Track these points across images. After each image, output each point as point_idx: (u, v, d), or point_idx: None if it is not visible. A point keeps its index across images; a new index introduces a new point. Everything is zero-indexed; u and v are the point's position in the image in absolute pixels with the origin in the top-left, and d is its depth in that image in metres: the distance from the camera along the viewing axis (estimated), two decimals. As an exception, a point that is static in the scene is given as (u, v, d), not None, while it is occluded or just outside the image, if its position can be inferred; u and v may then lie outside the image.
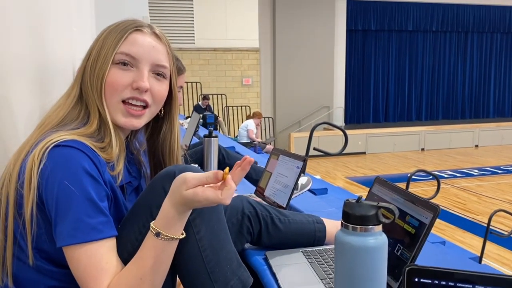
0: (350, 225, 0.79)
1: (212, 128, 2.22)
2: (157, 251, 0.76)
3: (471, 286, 0.61)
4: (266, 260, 1.20)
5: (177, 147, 1.02)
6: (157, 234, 0.76)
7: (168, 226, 0.76)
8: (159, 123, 1.02)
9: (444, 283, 0.62)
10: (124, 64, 0.87)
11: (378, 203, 0.80)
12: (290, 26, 10.25)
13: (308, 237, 1.29)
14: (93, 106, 0.86)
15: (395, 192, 1.09)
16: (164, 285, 0.83)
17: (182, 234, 0.79)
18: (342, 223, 0.81)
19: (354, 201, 0.81)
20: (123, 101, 0.88)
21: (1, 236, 0.79)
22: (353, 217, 0.79)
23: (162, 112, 1.00)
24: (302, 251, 1.23)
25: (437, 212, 0.93)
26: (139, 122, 0.91)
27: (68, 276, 0.81)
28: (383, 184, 1.17)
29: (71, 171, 0.74)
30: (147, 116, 0.92)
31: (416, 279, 0.63)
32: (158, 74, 0.91)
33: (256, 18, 9.92)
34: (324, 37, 10.58)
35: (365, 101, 11.86)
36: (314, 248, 1.24)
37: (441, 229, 5.01)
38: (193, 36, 9.59)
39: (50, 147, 0.75)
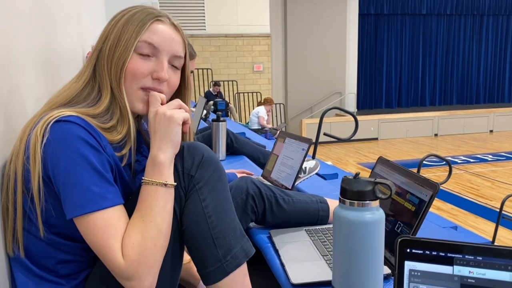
0: (348, 201, 0.81)
1: (220, 113, 2.25)
2: (148, 195, 0.82)
3: (461, 256, 0.62)
4: (270, 238, 1.23)
5: (191, 134, 1.03)
6: (141, 181, 0.84)
7: (150, 171, 0.84)
8: None
9: (435, 253, 0.64)
10: (145, 53, 0.89)
11: (375, 179, 0.82)
12: (302, 10, 10.15)
13: (311, 216, 1.31)
14: (106, 88, 0.88)
15: (396, 171, 1.11)
16: (173, 252, 0.88)
17: (167, 183, 0.84)
18: (340, 198, 0.83)
19: (351, 177, 0.82)
20: (141, 89, 0.91)
21: (11, 209, 0.82)
22: (350, 192, 0.80)
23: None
24: (305, 229, 1.25)
25: (436, 189, 0.94)
26: None
27: (79, 249, 0.84)
28: (385, 163, 1.18)
29: (73, 145, 0.77)
30: None
31: (408, 250, 0.65)
32: (174, 65, 0.94)
33: (267, 3, 9.84)
34: (336, 22, 10.46)
35: (377, 86, 11.75)
36: (317, 227, 1.26)
37: (453, 214, 5.00)
38: (204, 22, 9.56)
39: (51, 122, 0.78)
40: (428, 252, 0.64)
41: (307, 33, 10.27)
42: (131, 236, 0.78)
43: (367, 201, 0.80)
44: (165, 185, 0.83)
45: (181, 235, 0.90)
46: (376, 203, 0.81)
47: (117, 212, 0.80)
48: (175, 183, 0.86)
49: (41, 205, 0.80)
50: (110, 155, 0.84)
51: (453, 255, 0.63)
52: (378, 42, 11.51)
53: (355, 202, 0.80)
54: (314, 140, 2.05)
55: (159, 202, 0.82)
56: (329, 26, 10.38)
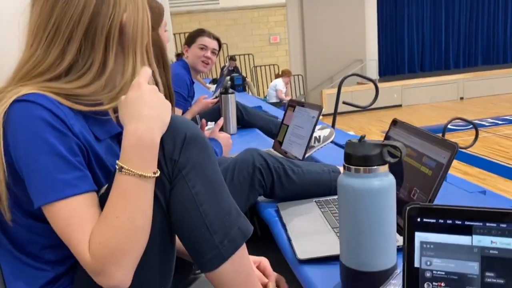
0: (353, 167, 0.73)
1: (229, 85, 2.17)
2: (123, 187, 0.71)
3: (481, 223, 0.53)
4: (277, 211, 1.16)
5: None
6: (120, 169, 0.71)
7: (132, 154, 0.72)
8: None
9: (450, 221, 0.55)
10: None
11: (383, 141, 0.73)
12: (317, -23, 9.84)
13: (324, 187, 1.24)
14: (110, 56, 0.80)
15: (411, 133, 1.01)
16: (161, 247, 0.80)
17: (154, 173, 0.73)
18: (344, 165, 0.74)
19: (356, 141, 0.74)
20: None
21: None
22: (355, 157, 0.72)
23: None
24: (315, 201, 1.18)
25: (455, 150, 0.85)
26: None
27: None
28: (400, 126, 1.08)
29: (33, 128, 0.70)
30: None
31: (419, 219, 0.57)
32: None
33: (281, -29, 9.58)
34: (353, -14, 10.12)
35: (399, 51, 11.40)
36: (328, 198, 1.19)
37: (481, 178, 4.83)
38: (217, -4, 9.39)
39: (9, 104, 0.71)
40: (442, 221, 0.55)
41: (324, 0, 9.95)
42: (100, 234, 0.70)
43: (374, 166, 0.71)
44: (151, 177, 0.73)
45: (170, 226, 0.81)
46: (384, 168, 0.72)
47: (85, 200, 0.72)
48: (156, 174, 0.74)
49: (7, 191, 0.73)
50: (80, 134, 0.75)
51: (472, 223, 0.54)
52: (398, 5, 11.10)
53: (361, 168, 0.72)
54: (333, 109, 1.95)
55: (141, 196, 0.72)
56: (346, -9, 10.04)
